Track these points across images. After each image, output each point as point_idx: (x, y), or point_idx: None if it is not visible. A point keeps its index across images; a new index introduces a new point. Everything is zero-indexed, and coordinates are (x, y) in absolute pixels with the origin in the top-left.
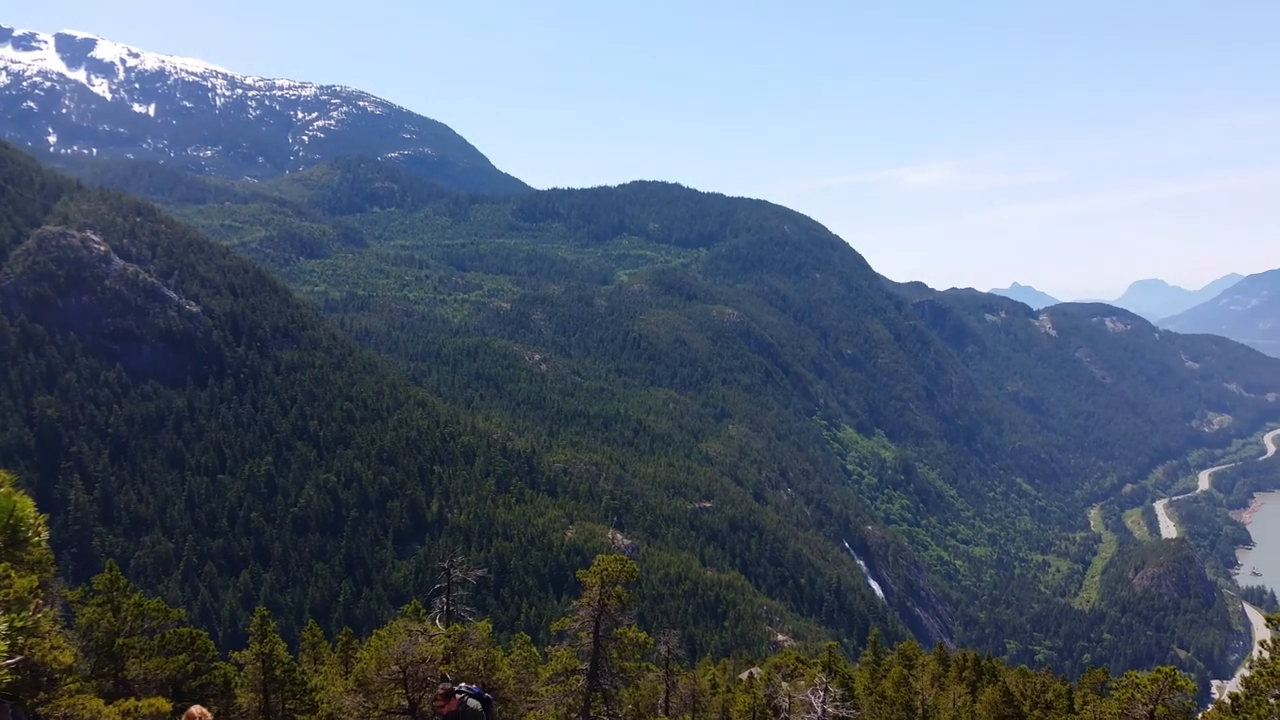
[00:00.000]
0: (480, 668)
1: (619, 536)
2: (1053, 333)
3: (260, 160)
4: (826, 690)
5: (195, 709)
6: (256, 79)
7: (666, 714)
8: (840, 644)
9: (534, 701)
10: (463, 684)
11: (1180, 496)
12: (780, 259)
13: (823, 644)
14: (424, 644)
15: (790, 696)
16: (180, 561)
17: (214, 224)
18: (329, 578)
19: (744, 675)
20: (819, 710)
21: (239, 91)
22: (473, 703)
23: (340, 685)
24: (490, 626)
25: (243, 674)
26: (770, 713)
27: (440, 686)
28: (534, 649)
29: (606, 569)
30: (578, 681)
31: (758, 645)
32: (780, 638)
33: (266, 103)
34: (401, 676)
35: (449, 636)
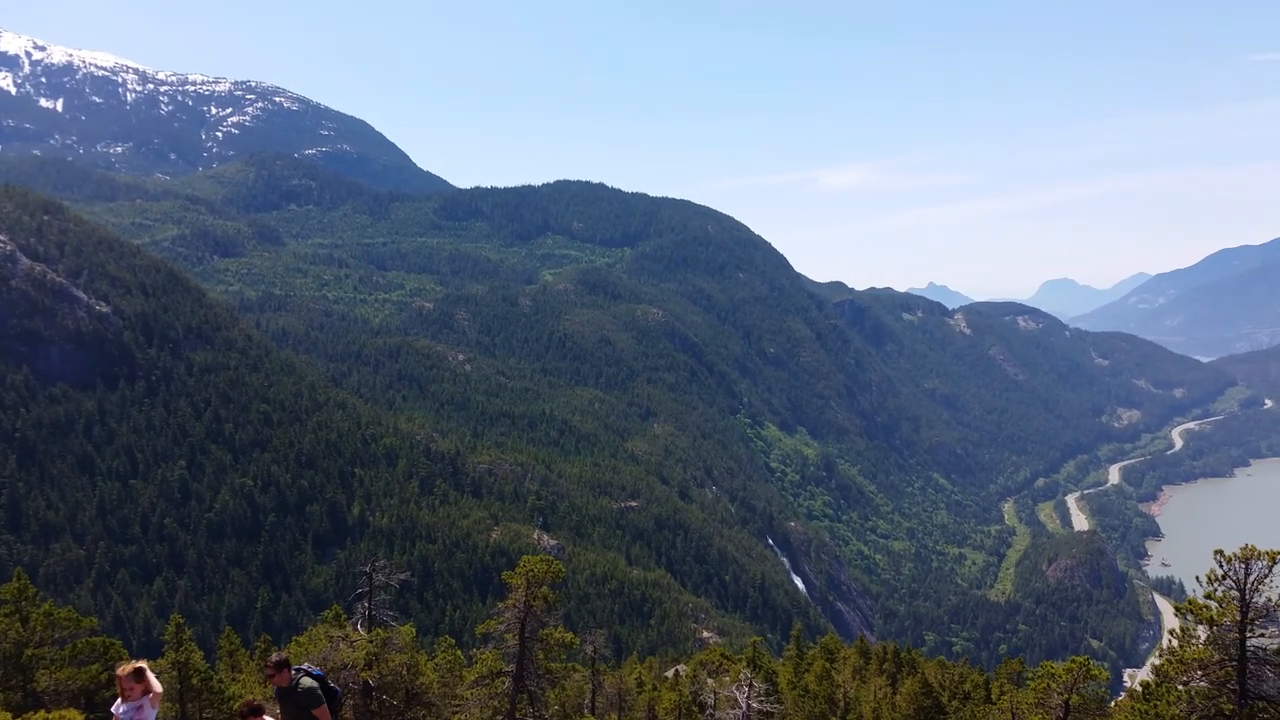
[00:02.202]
0: (403, 672)
1: (545, 537)
2: (967, 331)
3: (173, 157)
4: (751, 685)
5: (126, 667)
6: (169, 74)
7: (593, 713)
8: (764, 639)
9: (459, 705)
10: (306, 664)
11: (1091, 490)
12: (704, 259)
13: (747, 640)
14: (345, 650)
15: (715, 693)
16: (92, 569)
17: (125, 222)
18: (246, 584)
19: (670, 673)
20: (744, 705)
21: (150, 87)
22: (308, 681)
23: (259, 694)
24: (413, 631)
25: None
26: (696, 709)
27: (273, 656)
28: (459, 652)
29: (532, 570)
30: (503, 684)
31: (683, 643)
32: (706, 635)
33: (179, 98)
34: None
35: (371, 642)
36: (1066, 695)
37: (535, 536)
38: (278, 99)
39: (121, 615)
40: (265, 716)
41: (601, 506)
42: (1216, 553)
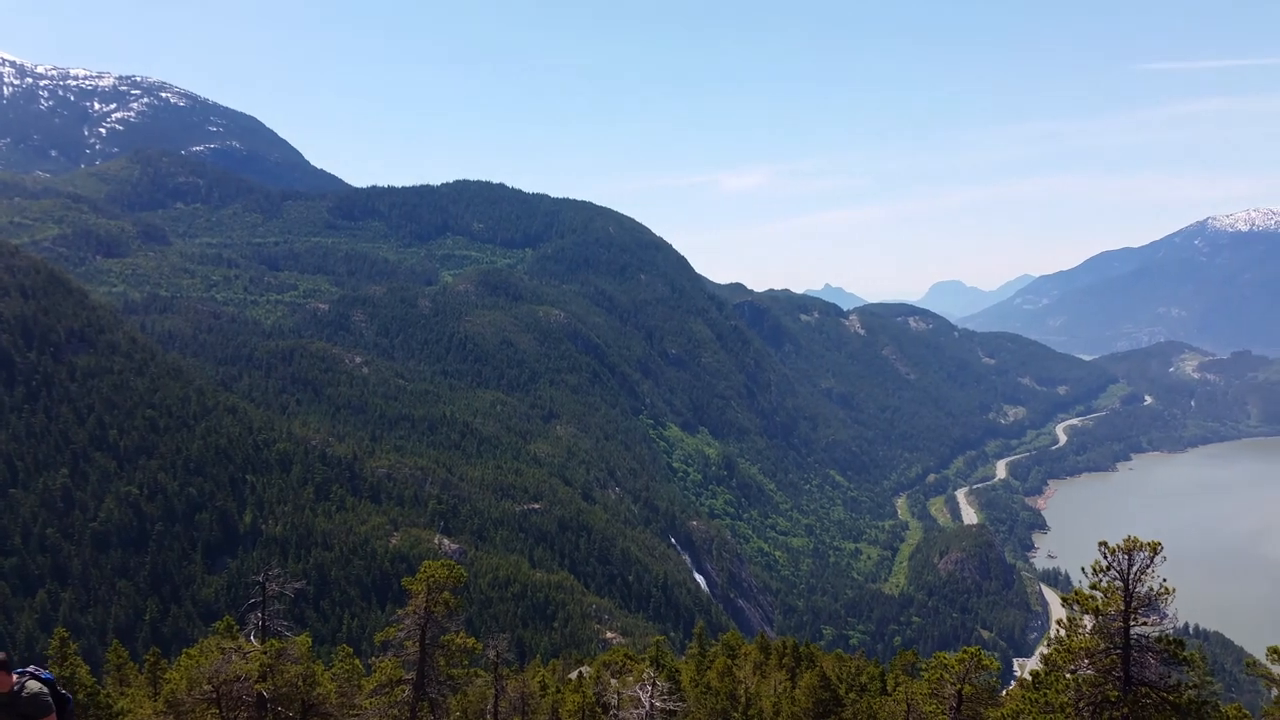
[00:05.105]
0: (299, 683)
1: (446, 541)
2: (861, 332)
3: (53, 154)
4: (654, 684)
5: None
6: (49, 68)
7: (495, 719)
8: (667, 638)
9: (357, 715)
10: (32, 666)
11: (980, 485)
12: (606, 260)
13: (650, 639)
14: (238, 662)
15: (619, 693)
16: None
17: (2, 221)
18: (133, 595)
19: (573, 675)
20: (647, 705)
21: (29, 81)
22: (35, 685)
23: (149, 707)
24: (310, 640)
25: None
26: (599, 710)
27: None
28: (357, 661)
29: (433, 575)
30: (403, 692)
31: (587, 644)
32: (609, 635)
33: (60, 93)
34: (215, 696)
35: (265, 653)
36: (959, 685)
37: (436, 541)
38: (164, 94)
39: (2, 629)
40: (13, 673)
41: (504, 509)
42: (1100, 544)
